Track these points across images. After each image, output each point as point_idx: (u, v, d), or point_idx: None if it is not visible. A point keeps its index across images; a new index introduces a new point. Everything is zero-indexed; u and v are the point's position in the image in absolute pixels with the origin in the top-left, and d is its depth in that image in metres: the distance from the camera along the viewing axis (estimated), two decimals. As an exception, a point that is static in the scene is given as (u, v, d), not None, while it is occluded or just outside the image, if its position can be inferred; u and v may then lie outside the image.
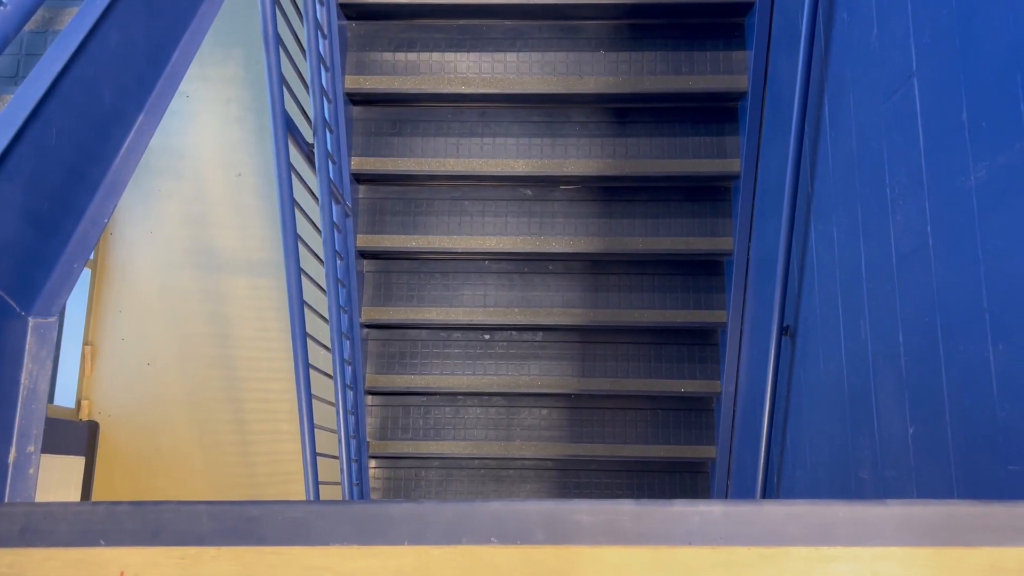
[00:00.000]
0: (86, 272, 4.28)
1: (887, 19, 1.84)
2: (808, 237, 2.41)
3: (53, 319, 1.30)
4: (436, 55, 3.26)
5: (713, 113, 3.28)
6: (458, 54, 3.25)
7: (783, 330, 2.58)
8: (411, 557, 0.83)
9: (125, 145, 1.58)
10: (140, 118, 1.64)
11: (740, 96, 3.18)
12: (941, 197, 1.57)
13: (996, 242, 1.39)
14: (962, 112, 1.49)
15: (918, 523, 0.84)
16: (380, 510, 0.86)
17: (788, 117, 2.46)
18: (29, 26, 1.56)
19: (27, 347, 1.25)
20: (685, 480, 3.53)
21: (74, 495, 3.97)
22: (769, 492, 2.67)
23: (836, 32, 2.18)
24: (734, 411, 3.25)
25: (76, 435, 4.04)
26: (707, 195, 3.35)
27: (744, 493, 3.08)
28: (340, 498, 2.98)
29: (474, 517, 0.84)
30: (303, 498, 2.52)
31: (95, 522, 0.85)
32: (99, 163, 1.50)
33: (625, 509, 0.84)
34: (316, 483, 2.52)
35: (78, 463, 4.02)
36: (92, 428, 4.13)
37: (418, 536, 0.83)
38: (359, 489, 3.14)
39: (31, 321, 1.28)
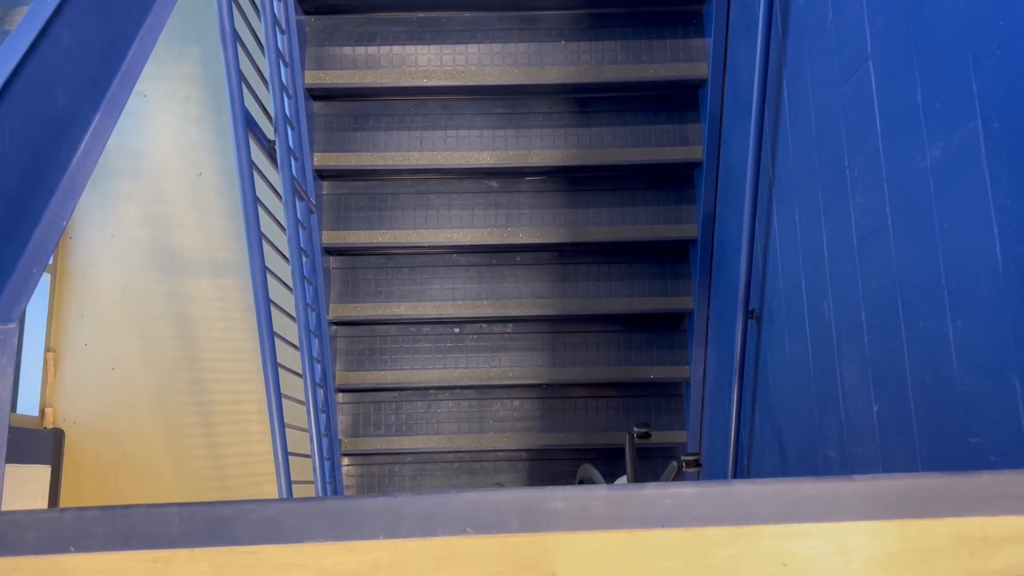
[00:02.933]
0: (46, 277, 4.20)
1: (841, 3, 1.87)
2: (771, 221, 2.44)
3: (13, 325, 1.28)
4: (396, 48, 3.24)
5: (674, 101, 3.31)
6: (419, 47, 3.23)
7: (749, 313, 2.62)
8: (387, 551, 0.83)
9: (81, 147, 1.55)
10: (96, 119, 1.61)
11: (700, 83, 3.21)
12: (898, 178, 1.60)
13: (952, 220, 1.42)
14: (916, 93, 1.51)
15: (884, 497, 0.86)
16: (354, 505, 0.85)
17: (748, 103, 2.49)
18: (-23, 27, 1.53)
19: (-13, 355, 1.23)
20: (658, 466, 3.56)
21: (41, 505, 3.90)
22: (739, 474, 2.71)
23: (793, 17, 2.21)
24: (703, 395, 3.28)
25: (41, 444, 3.97)
26: (671, 182, 3.38)
27: (715, 476, 3.12)
28: (314, 496, 2.97)
29: (448, 508, 0.84)
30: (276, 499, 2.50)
31: (63, 529, 0.84)
32: (55, 166, 1.47)
33: (598, 494, 0.85)
34: (289, 483, 2.50)
35: (44, 472, 3.95)
36: (57, 436, 4.06)
37: (393, 529, 0.83)
38: (332, 487, 3.13)
39: (-10, 328, 1.25)
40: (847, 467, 1.89)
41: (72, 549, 0.83)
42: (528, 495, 0.85)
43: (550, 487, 0.87)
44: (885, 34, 1.65)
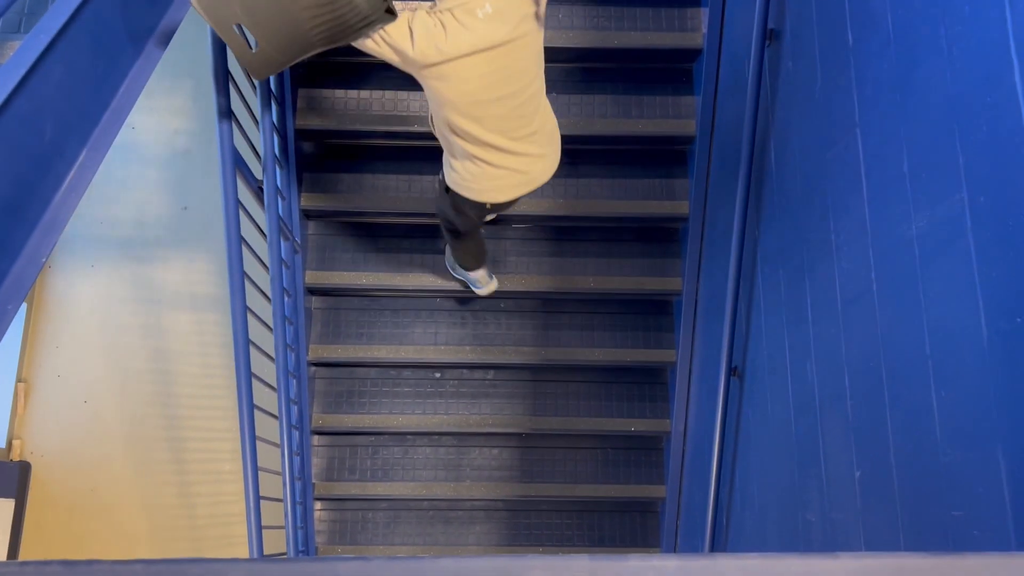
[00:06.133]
0: (22, 306, 4.14)
1: (831, 70, 1.90)
2: (755, 279, 2.45)
3: (-16, 363, 1.25)
4: (388, 93, 3.25)
5: (663, 156, 3.34)
6: (411, 93, 3.25)
7: (731, 370, 2.61)
8: (358, 618, 0.80)
9: (66, 182, 1.54)
10: (83, 154, 1.60)
11: (689, 140, 3.24)
12: (884, 245, 1.61)
13: (937, 290, 1.42)
14: (903, 163, 1.53)
15: None
16: (326, 568, 0.83)
17: (735, 161, 2.51)
18: (-32, 58, 1.52)
19: (-46, 393, 1.20)
20: (635, 520, 3.52)
21: (2, 540, 3.79)
22: (718, 532, 2.68)
23: (781, 81, 2.24)
24: (683, 451, 3.26)
25: (6, 476, 3.87)
26: (657, 236, 3.39)
27: (693, 533, 3.08)
28: (284, 542, 2.90)
29: (424, 575, 0.82)
30: (245, 541, 2.45)
31: (22, 584, 0.80)
32: (38, 200, 1.46)
33: (579, 565, 0.83)
34: (259, 527, 2.44)
35: (7, 506, 3.85)
36: (23, 469, 3.97)
37: (366, 595, 0.81)
38: (304, 532, 3.06)
39: (-40, 365, 1.22)
40: (827, 532, 1.87)
41: (29, 606, 0.79)
42: (507, 563, 0.82)
43: (529, 555, 0.84)
44: (873, 103, 1.67)
